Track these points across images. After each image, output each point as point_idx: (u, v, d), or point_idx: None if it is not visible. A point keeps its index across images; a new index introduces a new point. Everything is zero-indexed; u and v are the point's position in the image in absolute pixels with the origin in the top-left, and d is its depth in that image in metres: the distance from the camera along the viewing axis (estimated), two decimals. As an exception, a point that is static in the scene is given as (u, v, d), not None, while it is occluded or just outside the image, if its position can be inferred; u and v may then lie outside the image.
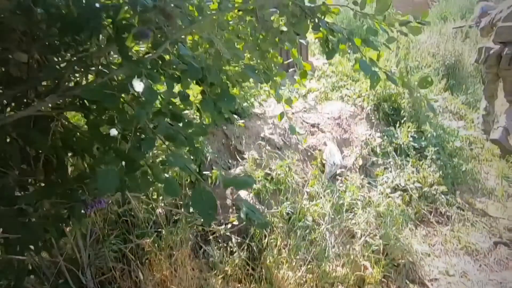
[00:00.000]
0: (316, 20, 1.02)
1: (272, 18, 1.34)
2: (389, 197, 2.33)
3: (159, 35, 0.84)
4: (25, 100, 0.96)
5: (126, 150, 0.65)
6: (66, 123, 1.08)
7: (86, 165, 1.11)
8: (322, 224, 1.99)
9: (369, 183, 2.48)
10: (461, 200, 2.37)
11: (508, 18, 2.82)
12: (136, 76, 0.65)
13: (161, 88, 1.07)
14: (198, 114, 2.07)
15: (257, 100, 2.92)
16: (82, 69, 0.83)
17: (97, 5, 0.78)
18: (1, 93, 0.85)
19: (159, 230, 1.67)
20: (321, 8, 1.00)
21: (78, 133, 1.02)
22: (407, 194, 2.35)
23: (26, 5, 0.80)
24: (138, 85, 0.58)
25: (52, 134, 0.94)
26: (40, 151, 0.91)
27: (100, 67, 0.86)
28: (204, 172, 2.03)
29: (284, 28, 1.29)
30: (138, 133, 0.78)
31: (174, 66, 0.78)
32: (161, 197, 1.85)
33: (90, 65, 0.80)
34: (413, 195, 2.31)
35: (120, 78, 0.89)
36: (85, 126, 1.09)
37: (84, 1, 0.78)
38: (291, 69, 4.07)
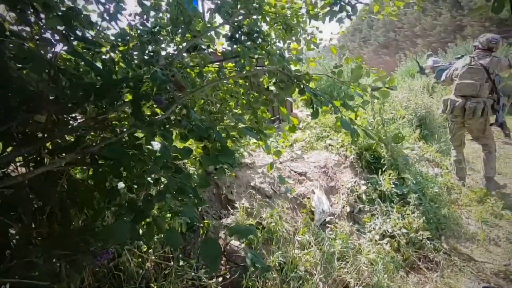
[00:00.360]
0: (302, 86, 1.20)
1: (261, 79, 1.53)
2: (378, 244, 2.38)
3: (168, 100, 0.97)
4: (34, 156, 1.03)
5: (140, 202, 0.72)
6: (70, 176, 1.14)
7: (87, 217, 1.14)
8: (315, 274, 1.98)
9: (358, 230, 2.53)
10: (447, 246, 2.43)
11: (463, 76, 3.27)
12: (151, 136, 0.75)
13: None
14: (190, 165, 2.15)
15: (247, 151, 3.05)
16: (99, 129, 0.92)
17: (116, 76, 0.91)
18: (18, 150, 0.92)
19: (149, 284, 1.62)
20: (305, 77, 1.18)
21: (81, 187, 1.08)
22: (395, 240, 2.40)
23: (54, 75, 0.93)
24: (156, 145, 0.68)
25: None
26: (46, 204, 0.95)
27: (114, 126, 0.97)
28: (195, 223, 2.04)
29: (272, 88, 1.48)
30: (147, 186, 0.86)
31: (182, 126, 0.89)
32: (150, 250, 1.82)
33: (106, 124, 0.90)
34: (401, 241, 2.37)
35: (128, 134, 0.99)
36: (85, 179, 1.15)
37: (106, 72, 0.92)
38: (277, 122, 4.32)
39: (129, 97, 1.06)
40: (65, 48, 1.16)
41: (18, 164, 1.09)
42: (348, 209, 2.74)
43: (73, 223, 1.16)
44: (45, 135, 1.01)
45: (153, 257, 1.77)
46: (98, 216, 1.08)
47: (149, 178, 0.94)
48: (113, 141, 0.85)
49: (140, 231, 1.02)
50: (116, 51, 1.40)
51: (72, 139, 1.11)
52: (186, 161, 2.25)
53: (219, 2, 1.64)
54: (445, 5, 18.35)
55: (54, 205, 0.93)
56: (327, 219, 2.53)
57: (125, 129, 0.96)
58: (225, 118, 1.06)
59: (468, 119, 3.25)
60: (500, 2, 1.05)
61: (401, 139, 1.10)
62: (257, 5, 1.64)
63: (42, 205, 0.93)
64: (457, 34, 17.86)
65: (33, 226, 0.98)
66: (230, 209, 2.34)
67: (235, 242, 2.08)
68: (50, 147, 1.04)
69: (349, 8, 1.47)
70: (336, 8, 1.48)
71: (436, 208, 2.73)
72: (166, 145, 0.75)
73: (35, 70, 0.70)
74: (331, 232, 2.40)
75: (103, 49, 1.40)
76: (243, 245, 2.09)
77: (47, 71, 0.99)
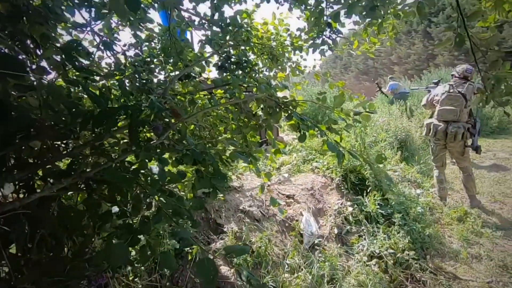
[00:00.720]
0: (289, 111, 1.28)
1: (250, 105, 1.61)
2: (366, 265, 2.40)
3: (163, 126, 1.01)
4: (26, 182, 1.03)
5: (137, 225, 0.74)
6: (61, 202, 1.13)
7: (74, 243, 1.13)
8: (306, 298, 1.97)
9: (346, 251, 2.55)
10: (432, 265, 2.49)
11: (444, 102, 3.52)
12: (148, 160, 0.79)
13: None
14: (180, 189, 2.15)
15: (235, 174, 3.08)
16: (95, 154, 0.95)
17: (113, 104, 0.96)
18: (11, 176, 0.93)
19: (136, 315, 1.56)
20: (292, 103, 1.26)
21: (72, 212, 1.08)
22: (383, 261, 2.43)
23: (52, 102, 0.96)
24: (155, 168, 0.72)
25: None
26: (38, 230, 0.94)
27: (108, 151, 1.00)
28: (184, 248, 2.01)
29: (260, 112, 1.55)
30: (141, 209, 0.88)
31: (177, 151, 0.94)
32: (137, 279, 1.77)
33: (102, 150, 0.93)
34: (388, 262, 2.40)
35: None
36: (74, 205, 1.16)
37: (103, 101, 0.96)
38: (264, 145, 4.40)
39: (120, 123, 1.10)
40: (56, 75, 1.21)
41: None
42: (336, 230, 2.77)
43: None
44: (39, 160, 1.03)
45: (140, 286, 1.72)
46: (88, 242, 1.08)
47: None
48: (110, 166, 0.88)
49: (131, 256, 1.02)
50: (109, 80, 1.46)
51: (64, 165, 1.13)
52: (175, 185, 2.25)
53: (209, 34, 1.76)
54: (417, 36, 19.79)
55: (46, 231, 0.93)
56: (316, 241, 2.55)
57: (120, 154, 1.00)
58: (217, 142, 1.12)
59: (450, 142, 3.48)
60: (461, 38, 1.20)
61: (383, 160, 1.18)
62: (245, 37, 1.76)
63: (34, 231, 0.92)
64: (430, 62, 19.15)
65: (19, 253, 0.96)
66: (219, 233, 2.33)
67: (224, 268, 2.05)
68: (41, 173, 1.05)
69: (330, 41, 1.61)
70: (319, 41, 1.62)
71: (420, 228, 2.80)
72: (163, 169, 0.79)
73: (55, 102, 0.74)
74: (320, 255, 2.41)
75: (97, 78, 1.46)
76: (232, 270, 2.06)
77: (44, 97, 1.02)
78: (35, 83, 0.80)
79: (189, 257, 2.00)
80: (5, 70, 0.61)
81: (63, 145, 1.15)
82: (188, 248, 2.02)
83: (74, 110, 0.94)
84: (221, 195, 2.53)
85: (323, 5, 1.45)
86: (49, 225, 0.91)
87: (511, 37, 14.56)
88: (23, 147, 0.98)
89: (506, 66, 1.13)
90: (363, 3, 1.26)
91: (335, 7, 1.42)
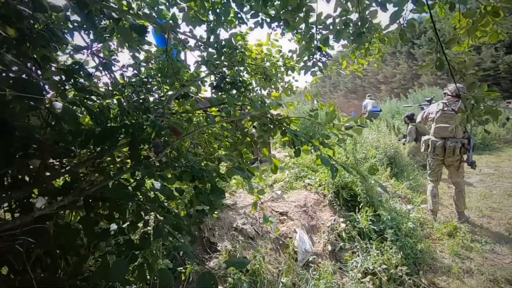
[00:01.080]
0: (284, 128, 1.33)
1: (243, 122, 1.66)
2: (361, 282, 2.39)
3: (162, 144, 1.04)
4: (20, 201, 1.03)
5: (137, 241, 0.75)
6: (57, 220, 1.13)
7: (67, 263, 1.12)
8: (301, 317, 1.94)
9: (340, 268, 2.55)
10: (425, 280, 2.50)
11: (439, 120, 3.67)
12: (150, 177, 0.82)
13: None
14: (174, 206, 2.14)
15: (228, 191, 3.08)
16: (95, 172, 0.97)
17: (111, 123, 0.99)
18: (8, 195, 0.93)
19: None
20: (286, 120, 1.32)
21: (67, 231, 1.08)
22: (377, 277, 2.43)
23: (53, 122, 0.99)
24: (157, 185, 0.74)
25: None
26: (34, 250, 0.94)
27: (107, 169, 1.01)
28: (177, 268, 1.98)
29: (253, 130, 1.60)
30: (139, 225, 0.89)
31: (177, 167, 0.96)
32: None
33: (102, 168, 0.95)
34: (382, 278, 2.41)
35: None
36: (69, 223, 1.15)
37: (104, 119, 0.99)
38: (256, 163, 4.44)
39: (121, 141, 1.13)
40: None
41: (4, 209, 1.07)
42: (329, 247, 2.77)
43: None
44: (37, 179, 1.03)
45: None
46: (84, 261, 1.07)
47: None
48: (109, 183, 0.90)
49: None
50: (105, 99, 1.49)
51: (57, 184, 1.14)
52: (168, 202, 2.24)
53: (205, 55, 1.83)
54: (402, 56, 20.68)
55: (43, 249, 0.92)
56: (310, 258, 2.54)
57: (116, 172, 1.01)
58: (215, 158, 1.15)
59: (448, 157, 3.61)
60: (440, 62, 1.30)
61: (376, 171, 1.23)
62: (240, 58, 1.84)
63: (31, 250, 0.92)
64: (415, 81, 19.92)
65: (13, 274, 0.95)
66: (212, 252, 2.30)
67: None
68: (37, 192, 1.05)
69: (320, 64, 1.70)
70: (310, 64, 1.71)
71: (412, 243, 2.83)
72: (164, 185, 0.81)
73: (70, 124, 0.77)
74: (314, 272, 2.40)
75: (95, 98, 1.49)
76: (227, 290, 2.03)
77: (41, 116, 1.04)
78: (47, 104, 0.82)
79: (183, 277, 1.97)
80: (24, 93, 0.64)
81: (58, 164, 1.17)
82: (181, 268, 1.99)
83: (73, 129, 0.96)
84: (216, 212, 2.52)
85: (313, 30, 1.55)
86: (45, 244, 0.90)
87: (489, 58, 15.40)
88: (23, 166, 0.99)
89: (483, 87, 1.22)
90: (350, 30, 1.35)
91: (324, 32, 1.52)
